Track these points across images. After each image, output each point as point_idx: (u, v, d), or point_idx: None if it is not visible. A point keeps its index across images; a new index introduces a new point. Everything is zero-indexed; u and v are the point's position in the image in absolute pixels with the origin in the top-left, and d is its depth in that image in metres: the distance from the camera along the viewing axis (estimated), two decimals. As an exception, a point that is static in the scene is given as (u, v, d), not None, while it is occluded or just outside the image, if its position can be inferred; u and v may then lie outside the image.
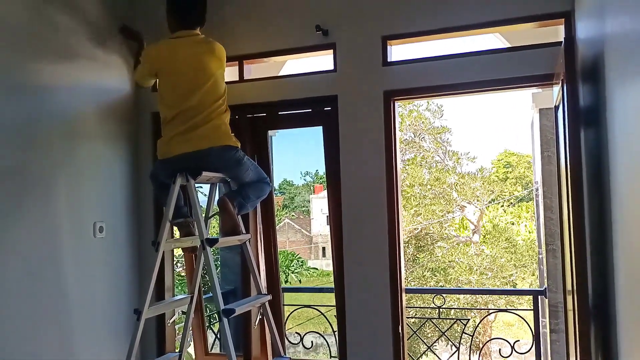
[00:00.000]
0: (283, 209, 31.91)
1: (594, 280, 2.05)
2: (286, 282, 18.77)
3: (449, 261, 12.62)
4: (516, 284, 12.78)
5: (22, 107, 2.60)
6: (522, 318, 3.78)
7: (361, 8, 3.02)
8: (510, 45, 3.55)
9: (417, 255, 13.04)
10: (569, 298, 2.15)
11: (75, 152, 2.91)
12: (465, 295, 11.54)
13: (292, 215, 31.96)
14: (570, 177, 1.95)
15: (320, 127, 3.16)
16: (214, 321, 4.11)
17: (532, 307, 3.65)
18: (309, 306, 4.12)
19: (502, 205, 15.78)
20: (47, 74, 2.75)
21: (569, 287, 2.16)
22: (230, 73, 3.34)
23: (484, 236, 13.92)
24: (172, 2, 2.75)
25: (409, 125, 13.24)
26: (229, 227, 2.65)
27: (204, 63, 2.66)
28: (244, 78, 3.29)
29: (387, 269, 2.93)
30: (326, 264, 26.71)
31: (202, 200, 2.92)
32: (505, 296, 11.31)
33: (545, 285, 4.83)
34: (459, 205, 13.56)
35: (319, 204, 29.39)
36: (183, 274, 10.82)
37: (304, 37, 3.11)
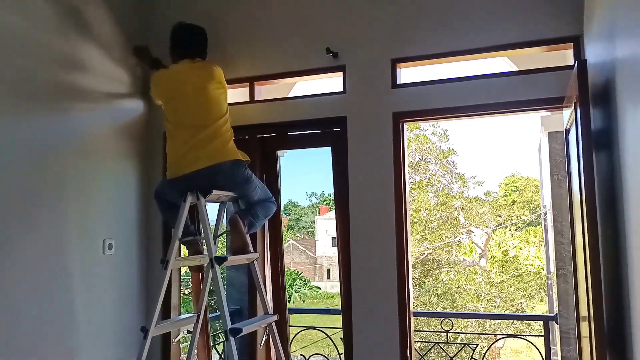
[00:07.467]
0: (288, 230, 31.84)
1: (608, 305, 2.01)
2: (289, 301, 18.60)
3: (456, 287, 12.46)
4: (525, 312, 12.57)
5: (37, 126, 2.63)
6: (533, 344, 3.70)
7: (371, 31, 3.06)
8: (517, 69, 3.57)
9: (423, 280, 12.89)
10: (584, 325, 2.11)
11: (88, 169, 2.93)
12: (472, 322, 11.33)
13: (297, 237, 31.86)
14: (585, 201, 1.92)
15: (329, 148, 3.17)
16: (219, 341, 4.07)
17: (542, 333, 3.58)
18: (315, 328, 4.07)
19: (510, 230, 15.66)
20: (62, 93, 2.79)
21: (583, 313, 2.12)
22: (241, 94, 3.39)
23: (492, 262, 13.78)
24: (174, 40, 2.89)
25: (415, 149, 13.26)
26: (239, 246, 2.65)
27: (202, 85, 2.74)
28: (255, 99, 3.32)
29: (395, 292, 2.90)
30: (330, 286, 26.48)
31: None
32: (514, 324, 11.11)
33: (557, 311, 4.76)
34: (466, 229, 13.46)
35: (324, 225, 29.29)
36: (185, 292, 10.74)
37: (314, 60, 3.15)
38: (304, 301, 18.27)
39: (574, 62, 2.68)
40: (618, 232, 1.89)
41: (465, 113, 2.93)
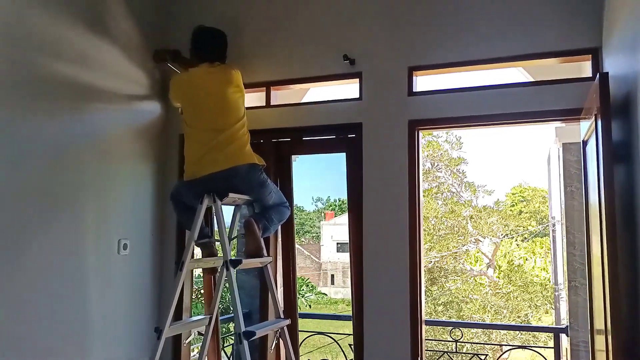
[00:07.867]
0: (293, 234, 31.70)
1: (624, 318, 2.00)
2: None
3: (462, 297, 12.39)
4: (530, 323, 12.49)
5: (55, 126, 2.67)
6: (542, 355, 3.68)
7: (388, 39, 3.07)
8: (532, 79, 3.57)
9: (429, 289, 12.83)
10: (600, 338, 2.10)
11: (105, 171, 2.96)
12: (478, 333, 11.23)
13: (302, 241, 31.81)
14: (605, 213, 1.91)
15: (335, 154, 3.22)
16: (227, 344, 4.07)
17: (550, 345, 3.56)
18: (323, 333, 4.07)
19: (516, 240, 15.57)
20: (79, 94, 2.82)
21: (599, 326, 2.11)
22: (257, 98, 3.41)
23: (498, 273, 13.69)
24: (194, 43, 2.92)
25: (427, 156, 13.24)
26: (253, 249, 2.66)
27: (221, 89, 2.76)
28: (271, 104, 3.34)
29: (407, 299, 2.90)
30: (334, 292, 26.38)
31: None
32: (520, 336, 11.02)
33: (566, 323, 4.72)
34: (474, 238, 13.40)
35: (330, 231, 29.23)
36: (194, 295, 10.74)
37: (331, 66, 3.17)
38: (309, 306, 18.15)
39: (593, 74, 2.68)
40: (636, 244, 1.89)
41: (480, 122, 2.93)
